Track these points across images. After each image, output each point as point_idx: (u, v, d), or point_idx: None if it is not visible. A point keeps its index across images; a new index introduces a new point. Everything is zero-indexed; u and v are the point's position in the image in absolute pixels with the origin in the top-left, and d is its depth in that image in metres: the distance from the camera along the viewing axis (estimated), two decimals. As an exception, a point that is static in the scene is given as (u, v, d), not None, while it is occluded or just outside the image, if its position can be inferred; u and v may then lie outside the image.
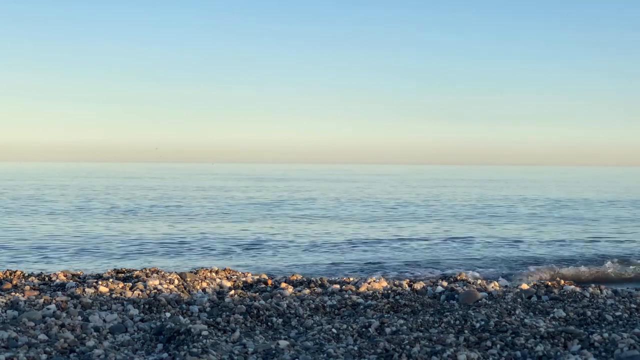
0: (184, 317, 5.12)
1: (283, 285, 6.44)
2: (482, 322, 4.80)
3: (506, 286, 6.52)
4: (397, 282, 6.57)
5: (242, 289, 6.27)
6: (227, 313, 5.11)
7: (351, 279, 6.87)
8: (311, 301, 5.58)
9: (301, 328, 4.96)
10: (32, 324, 4.68)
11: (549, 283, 6.36)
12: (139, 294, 5.77)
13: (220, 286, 6.35)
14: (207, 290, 6.14)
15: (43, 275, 6.80)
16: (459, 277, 6.74)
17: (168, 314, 5.21)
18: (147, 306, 5.34)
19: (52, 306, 5.14)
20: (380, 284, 6.37)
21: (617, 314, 5.25)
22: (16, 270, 6.97)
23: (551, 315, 5.24)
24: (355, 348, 4.27)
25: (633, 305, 5.49)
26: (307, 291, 6.13)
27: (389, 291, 6.10)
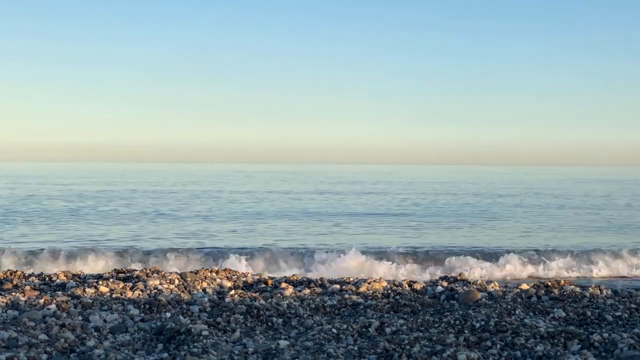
0: (185, 317, 5.12)
1: (283, 285, 6.45)
2: (482, 322, 4.80)
3: (506, 286, 6.51)
4: (397, 282, 6.57)
5: (242, 289, 6.27)
6: (228, 313, 5.11)
7: (351, 279, 6.88)
8: (311, 301, 5.59)
9: (301, 328, 4.96)
10: (33, 324, 4.68)
11: (549, 283, 6.36)
12: (139, 294, 5.77)
13: (221, 286, 6.35)
14: (207, 290, 6.14)
15: (43, 275, 6.81)
16: (459, 277, 6.74)
17: (168, 314, 5.21)
18: (147, 306, 5.34)
19: (53, 306, 5.14)
20: (380, 284, 6.37)
21: (617, 314, 5.25)
22: (16, 270, 6.98)
23: (551, 315, 5.24)
24: (355, 348, 4.27)
25: (633, 305, 5.49)
26: (307, 291, 6.13)
27: (389, 291, 6.10)
